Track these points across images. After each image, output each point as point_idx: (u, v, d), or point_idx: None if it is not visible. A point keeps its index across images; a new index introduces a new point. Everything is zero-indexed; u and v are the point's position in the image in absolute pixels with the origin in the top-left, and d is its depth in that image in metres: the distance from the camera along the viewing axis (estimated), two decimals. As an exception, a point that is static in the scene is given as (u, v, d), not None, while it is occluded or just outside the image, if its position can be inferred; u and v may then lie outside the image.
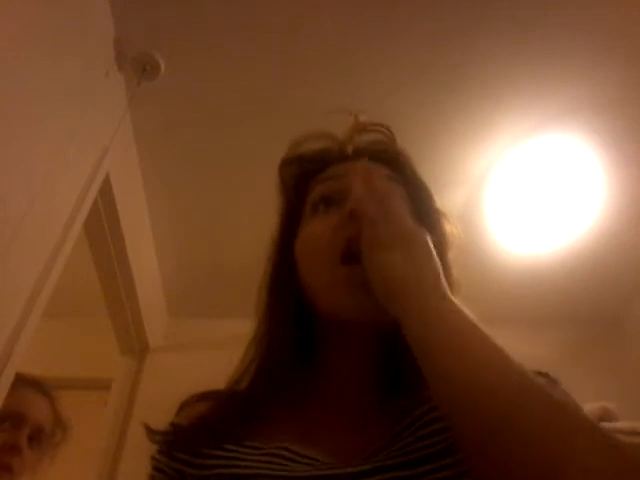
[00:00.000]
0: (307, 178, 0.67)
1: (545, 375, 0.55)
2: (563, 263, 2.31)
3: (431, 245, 0.51)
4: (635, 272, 2.35)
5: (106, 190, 1.74)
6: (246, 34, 1.69)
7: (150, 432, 0.59)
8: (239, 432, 0.53)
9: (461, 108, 1.85)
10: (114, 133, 1.71)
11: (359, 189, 0.56)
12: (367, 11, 1.63)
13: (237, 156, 2.04)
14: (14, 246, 1.26)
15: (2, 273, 1.24)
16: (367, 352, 0.59)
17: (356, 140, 0.69)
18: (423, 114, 1.87)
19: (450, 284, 0.52)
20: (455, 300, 0.47)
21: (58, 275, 1.44)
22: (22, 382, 1.24)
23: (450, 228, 0.67)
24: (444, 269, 0.52)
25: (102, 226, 1.83)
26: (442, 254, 0.58)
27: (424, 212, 0.64)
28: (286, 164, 0.73)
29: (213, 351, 2.47)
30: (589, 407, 1.75)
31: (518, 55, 1.71)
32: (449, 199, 2.13)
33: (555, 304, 2.46)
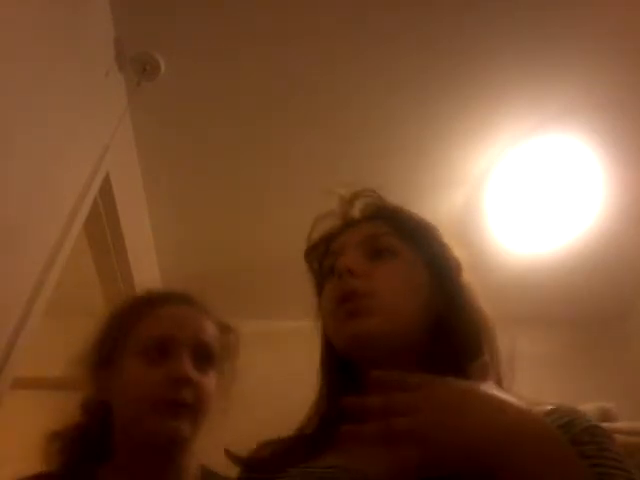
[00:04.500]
0: (322, 261, 0.76)
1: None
2: (563, 263, 2.31)
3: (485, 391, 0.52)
4: (635, 272, 2.35)
5: (106, 190, 1.74)
6: (246, 34, 1.69)
7: (233, 458, 0.68)
8: (299, 460, 0.62)
9: (461, 108, 1.85)
10: (114, 133, 1.71)
11: (346, 252, 0.69)
12: (367, 12, 1.63)
13: (237, 156, 2.04)
14: (14, 246, 1.26)
15: (2, 273, 1.24)
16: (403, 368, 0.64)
17: (349, 212, 0.79)
18: (423, 114, 1.87)
19: (471, 299, 0.66)
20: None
21: (58, 275, 1.44)
22: (163, 299, 1.04)
23: (459, 253, 0.75)
24: (461, 291, 0.68)
25: (102, 226, 1.83)
26: (455, 280, 0.70)
27: (430, 250, 0.73)
28: (307, 255, 0.81)
29: (213, 351, 2.47)
30: (589, 407, 1.75)
31: (518, 55, 1.71)
32: (449, 199, 2.13)
33: (555, 304, 2.46)
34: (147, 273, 2.32)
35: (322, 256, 0.76)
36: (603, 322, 2.52)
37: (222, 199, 2.20)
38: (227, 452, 0.67)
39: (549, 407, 0.59)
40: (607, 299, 2.48)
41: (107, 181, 1.71)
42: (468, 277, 0.73)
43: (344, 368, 0.70)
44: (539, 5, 1.60)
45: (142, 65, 1.70)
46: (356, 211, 0.79)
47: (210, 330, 0.97)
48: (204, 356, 0.91)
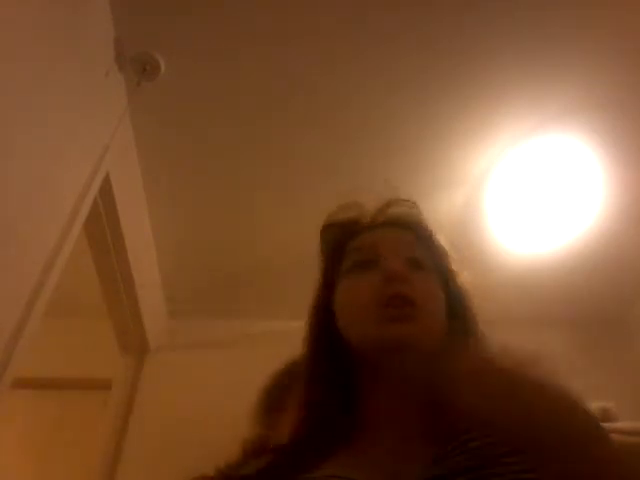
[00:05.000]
0: (344, 244, 0.75)
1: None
2: (563, 263, 2.31)
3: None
4: (635, 272, 2.35)
5: (106, 190, 1.74)
6: (246, 34, 1.69)
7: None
8: (297, 471, 0.59)
9: (461, 108, 1.85)
10: (114, 133, 1.71)
11: (392, 256, 0.69)
12: (367, 12, 1.63)
13: (237, 156, 2.04)
14: (14, 246, 1.26)
15: (2, 273, 1.24)
16: (410, 380, 0.64)
17: (386, 212, 0.80)
18: (423, 114, 1.87)
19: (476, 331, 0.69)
20: None
21: (58, 275, 1.44)
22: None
23: (465, 277, 0.77)
24: (471, 319, 0.71)
25: (102, 226, 1.83)
26: (467, 305, 0.73)
27: (443, 270, 0.75)
28: (325, 231, 0.81)
29: (213, 351, 2.47)
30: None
31: (518, 55, 1.71)
32: (449, 199, 2.13)
33: (555, 304, 2.45)
34: (147, 273, 2.33)
35: (345, 240, 0.75)
36: (603, 322, 2.52)
37: (222, 199, 2.20)
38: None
39: None
40: (607, 299, 2.48)
41: (107, 181, 1.71)
42: (475, 302, 0.76)
43: (338, 366, 0.68)
44: (539, 5, 1.60)
45: (142, 65, 1.70)
46: (391, 215, 0.79)
47: None
48: None
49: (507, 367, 0.54)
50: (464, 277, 0.78)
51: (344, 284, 0.71)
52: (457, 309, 0.71)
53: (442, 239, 0.79)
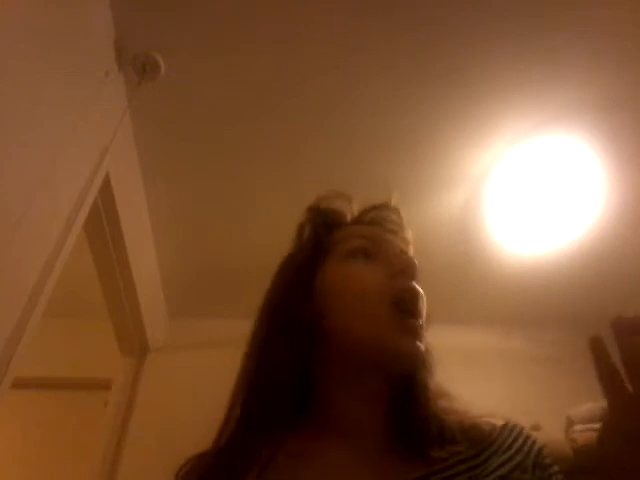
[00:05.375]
0: (335, 228, 0.73)
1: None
2: (563, 263, 2.31)
3: None
4: (636, 272, 2.35)
5: (106, 190, 1.74)
6: (246, 34, 1.69)
7: None
8: (250, 471, 0.53)
9: (461, 108, 1.85)
10: (114, 133, 1.70)
11: (402, 254, 0.66)
12: (368, 12, 1.63)
13: (237, 156, 2.04)
14: (14, 246, 1.26)
15: (2, 273, 1.24)
16: (385, 392, 0.62)
17: (385, 213, 0.78)
18: (423, 114, 1.87)
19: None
20: None
21: (58, 275, 1.44)
22: None
23: None
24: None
25: (102, 226, 1.83)
26: None
27: None
28: (317, 210, 0.77)
29: (213, 351, 2.47)
30: (589, 407, 1.75)
31: (518, 55, 1.71)
32: (449, 199, 2.13)
33: (555, 304, 2.46)
34: (147, 273, 2.33)
35: (338, 225, 0.73)
36: (603, 322, 2.52)
37: (222, 199, 2.20)
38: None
39: (499, 421, 0.62)
40: (607, 300, 2.48)
41: (107, 181, 1.71)
42: None
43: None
44: (540, 6, 1.60)
45: (142, 65, 1.70)
46: (392, 220, 0.77)
47: None
48: None
49: None
50: None
51: (342, 269, 0.66)
52: None
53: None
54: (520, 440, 0.58)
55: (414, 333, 0.59)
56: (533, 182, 2.07)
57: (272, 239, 2.26)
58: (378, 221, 0.75)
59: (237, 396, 0.64)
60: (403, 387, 0.62)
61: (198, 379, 2.30)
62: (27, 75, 1.29)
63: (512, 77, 1.76)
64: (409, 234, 0.76)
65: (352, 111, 1.88)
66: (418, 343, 0.58)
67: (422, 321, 0.60)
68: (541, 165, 2.02)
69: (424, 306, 0.62)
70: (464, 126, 1.90)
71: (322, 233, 0.72)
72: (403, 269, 0.62)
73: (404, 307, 0.59)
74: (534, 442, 0.59)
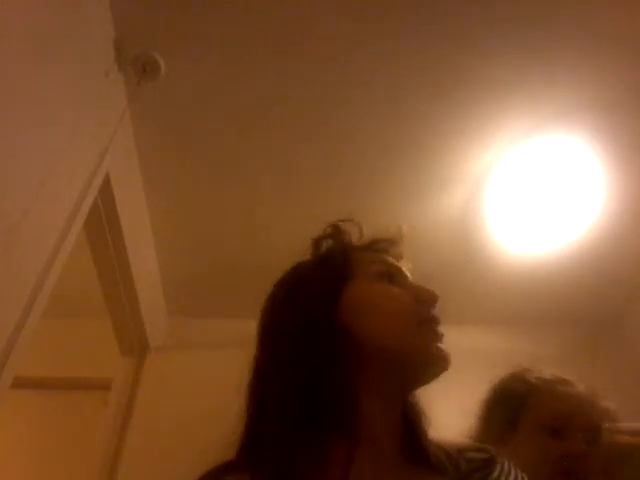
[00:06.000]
0: (353, 252, 0.76)
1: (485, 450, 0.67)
2: (563, 263, 2.31)
3: None
4: (635, 272, 2.35)
5: (106, 190, 1.74)
6: (246, 34, 1.69)
7: None
8: None
9: (461, 108, 1.85)
10: (114, 133, 1.70)
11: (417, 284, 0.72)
12: (368, 14, 1.63)
13: (237, 156, 2.04)
14: (14, 246, 1.26)
15: (2, 273, 1.24)
16: (398, 409, 0.66)
17: (398, 243, 0.80)
18: (423, 114, 1.87)
19: None
20: None
21: (58, 275, 1.44)
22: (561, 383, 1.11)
23: None
24: None
25: (102, 226, 1.83)
26: None
27: None
28: (339, 232, 0.80)
29: (213, 351, 2.47)
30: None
31: (519, 55, 1.71)
32: (449, 199, 2.13)
33: (555, 304, 2.46)
34: (147, 273, 2.33)
35: (356, 249, 0.77)
36: (603, 322, 2.52)
37: (222, 199, 2.20)
38: None
39: (464, 442, 0.69)
40: (607, 300, 2.48)
41: (107, 181, 1.71)
42: None
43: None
44: (540, 6, 1.60)
45: (142, 65, 1.70)
46: (400, 251, 0.80)
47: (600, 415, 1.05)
48: (593, 440, 0.99)
49: None
50: None
51: (377, 288, 0.70)
52: None
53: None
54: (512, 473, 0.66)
55: (439, 338, 0.65)
56: (533, 182, 2.07)
57: (273, 239, 2.27)
58: (388, 250, 0.79)
59: (260, 409, 0.65)
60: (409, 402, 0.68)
61: (198, 379, 2.30)
62: (27, 75, 1.29)
63: (512, 77, 1.76)
64: (409, 266, 0.80)
65: (353, 113, 1.88)
66: (444, 347, 0.65)
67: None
68: (541, 165, 2.02)
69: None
70: (464, 126, 1.90)
71: (348, 251, 0.76)
72: (429, 298, 0.68)
73: (439, 333, 0.66)
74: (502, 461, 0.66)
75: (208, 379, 2.31)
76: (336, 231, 0.80)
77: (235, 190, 2.15)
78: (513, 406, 1.05)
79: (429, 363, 0.64)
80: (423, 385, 0.67)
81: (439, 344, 0.65)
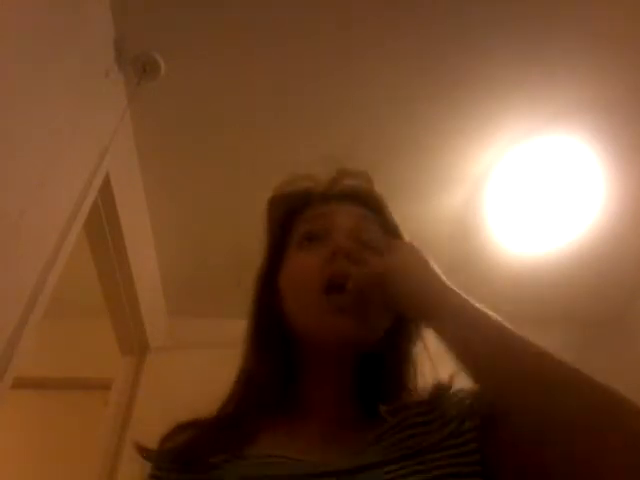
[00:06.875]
0: (292, 215, 0.72)
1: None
2: (563, 263, 2.31)
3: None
4: (635, 272, 2.35)
5: (106, 190, 1.74)
6: (246, 34, 1.69)
7: (144, 451, 0.63)
8: (231, 448, 0.56)
9: (461, 108, 1.85)
10: (114, 133, 1.71)
11: (341, 232, 0.65)
12: (367, 13, 1.63)
13: (237, 156, 2.04)
14: (14, 246, 1.26)
15: (2, 273, 1.24)
16: (346, 370, 0.64)
17: (339, 183, 0.74)
18: (423, 114, 1.87)
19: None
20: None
21: (58, 275, 1.44)
22: None
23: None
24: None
25: (102, 226, 1.83)
26: None
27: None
28: (273, 202, 0.78)
29: (213, 351, 2.47)
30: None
31: (518, 55, 1.71)
32: (449, 199, 2.13)
33: (555, 304, 2.46)
34: (147, 273, 2.33)
35: (295, 211, 0.71)
36: (603, 322, 2.52)
37: (222, 199, 2.20)
38: (138, 447, 0.63)
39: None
40: (607, 300, 2.48)
41: (107, 181, 1.71)
42: None
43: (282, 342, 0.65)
44: (541, 6, 1.60)
45: (142, 65, 1.70)
46: (346, 187, 0.74)
47: None
48: None
49: None
50: None
51: (289, 260, 0.67)
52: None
53: (394, 215, 0.74)
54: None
55: (339, 309, 0.59)
56: (533, 182, 2.07)
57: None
58: (342, 193, 0.72)
59: (233, 389, 0.68)
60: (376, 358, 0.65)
61: (198, 379, 2.30)
62: (27, 75, 1.29)
63: (512, 77, 1.76)
64: (377, 201, 0.73)
65: (353, 113, 1.88)
66: (345, 318, 0.59)
67: (356, 297, 0.59)
68: (541, 165, 2.02)
69: (364, 283, 0.59)
70: (464, 126, 1.90)
71: (281, 225, 0.72)
72: (334, 252, 0.62)
73: (328, 290, 0.60)
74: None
75: (208, 379, 2.31)
76: (275, 203, 0.77)
77: (236, 190, 2.15)
78: None
79: (325, 338, 0.60)
80: (348, 355, 0.63)
81: (330, 315, 0.59)
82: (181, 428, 0.65)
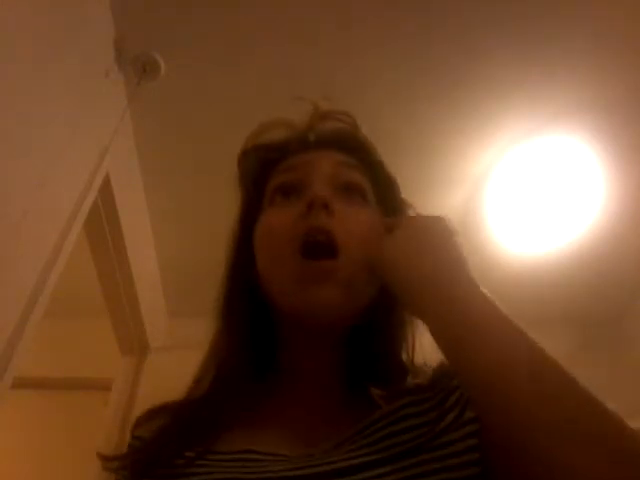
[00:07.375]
0: (267, 168, 0.64)
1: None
2: (563, 263, 2.31)
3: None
4: (635, 272, 2.35)
5: (106, 190, 1.74)
6: (246, 34, 1.69)
7: (105, 460, 0.55)
8: (202, 441, 0.50)
9: (461, 108, 1.85)
10: (114, 133, 1.71)
11: (319, 181, 0.55)
12: (368, 11, 1.63)
13: (237, 156, 2.04)
14: (14, 246, 1.26)
15: (2, 273, 1.24)
16: (330, 346, 0.56)
17: (318, 128, 0.65)
18: (424, 114, 1.87)
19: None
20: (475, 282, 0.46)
21: (58, 275, 1.44)
22: None
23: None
24: None
25: (102, 226, 1.83)
26: None
27: (388, 200, 0.63)
28: (245, 155, 0.70)
29: (213, 351, 2.47)
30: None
31: (518, 55, 1.71)
32: (449, 199, 2.13)
33: (555, 304, 2.45)
34: (147, 273, 2.33)
35: (268, 163, 0.64)
36: (603, 322, 2.52)
37: (222, 199, 2.20)
38: (99, 457, 0.56)
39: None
40: (607, 300, 2.48)
41: (107, 181, 1.71)
42: None
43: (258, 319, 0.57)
44: (542, 6, 1.60)
45: (142, 65, 1.70)
46: (325, 131, 0.64)
47: None
48: None
49: None
50: (414, 211, 0.65)
51: (262, 218, 0.59)
52: None
53: (388, 166, 0.65)
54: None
55: (317, 279, 0.50)
56: (533, 182, 2.07)
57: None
58: (322, 140, 0.63)
59: (202, 365, 0.62)
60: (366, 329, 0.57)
61: (198, 379, 2.29)
62: (27, 75, 1.29)
63: (512, 77, 1.76)
64: (364, 146, 0.64)
65: (353, 114, 1.88)
66: (324, 290, 0.50)
67: (337, 261, 0.51)
68: (541, 165, 2.02)
69: (345, 241, 0.51)
70: (464, 126, 1.90)
71: (254, 180, 0.64)
72: (310, 205, 0.52)
73: (307, 252, 0.51)
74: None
75: (208, 379, 2.31)
76: (247, 156, 0.67)
77: (235, 190, 2.15)
78: None
79: (302, 312, 0.51)
80: (326, 328, 0.55)
81: (306, 285, 0.50)
82: (152, 413, 0.60)
